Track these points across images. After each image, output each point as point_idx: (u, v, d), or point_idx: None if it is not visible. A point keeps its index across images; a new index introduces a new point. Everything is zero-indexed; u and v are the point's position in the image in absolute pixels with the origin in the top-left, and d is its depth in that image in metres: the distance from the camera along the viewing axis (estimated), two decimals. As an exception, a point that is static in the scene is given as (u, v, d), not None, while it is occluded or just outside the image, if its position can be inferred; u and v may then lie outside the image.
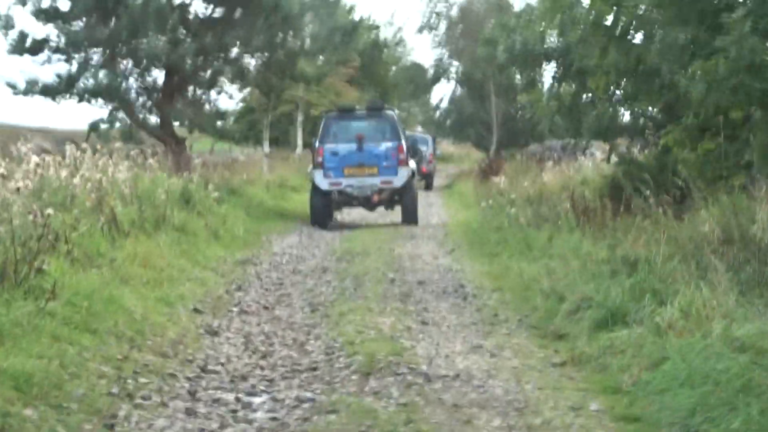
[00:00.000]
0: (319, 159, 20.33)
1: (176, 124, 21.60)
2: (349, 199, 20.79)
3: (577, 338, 8.44)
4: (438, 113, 53.08)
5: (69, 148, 13.64)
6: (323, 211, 20.27)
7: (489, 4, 44.21)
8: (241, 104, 44.67)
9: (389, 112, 22.08)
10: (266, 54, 21.44)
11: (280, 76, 22.18)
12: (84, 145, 15.43)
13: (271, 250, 14.41)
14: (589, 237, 13.17)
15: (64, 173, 10.91)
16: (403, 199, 20.84)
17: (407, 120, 78.09)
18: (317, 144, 20.62)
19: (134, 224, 11.34)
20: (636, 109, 15.64)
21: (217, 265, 11.69)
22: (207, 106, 21.98)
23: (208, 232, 13.80)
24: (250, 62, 21.91)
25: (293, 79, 22.50)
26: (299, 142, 40.40)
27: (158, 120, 21.25)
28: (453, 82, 50.59)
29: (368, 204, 21.03)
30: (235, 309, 9.28)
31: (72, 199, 10.43)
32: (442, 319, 9.55)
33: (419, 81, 50.70)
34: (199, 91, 21.82)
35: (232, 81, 21.93)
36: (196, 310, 8.83)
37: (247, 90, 41.23)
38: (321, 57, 24.97)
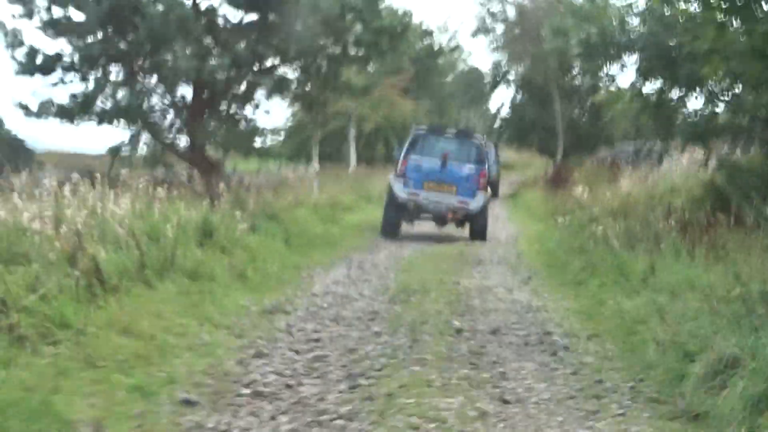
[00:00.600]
0: (402, 169, 20.82)
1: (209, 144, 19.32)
2: (422, 213, 21.23)
3: (727, 423, 5.91)
4: (498, 120, 50.36)
5: (74, 177, 11.44)
6: (395, 220, 20.96)
7: (547, 2, 41.46)
8: (289, 121, 42.66)
9: (477, 138, 22.39)
10: (305, 62, 19.10)
11: (321, 87, 19.81)
12: (96, 174, 13.32)
13: (310, 290, 11.95)
14: (700, 261, 10.58)
15: (27, 214, 8.55)
16: (476, 220, 21.03)
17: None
18: (402, 155, 21.04)
19: (127, 274, 8.95)
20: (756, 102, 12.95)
21: (235, 319, 9.20)
22: (242, 124, 19.61)
23: (231, 273, 11.36)
24: (288, 72, 19.58)
25: (337, 90, 20.03)
26: (353, 158, 38.03)
27: (188, 141, 18.98)
28: (512, 88, 47.90)
29: (441, 220, 21.41)
30: (245, 392, 6.73)
31: (35, 247, 8.08)
32: (527, 391, 7.04)
33: (477, 88, 48.07)
34: (232, 108, 19.49)
35: (269, 95, 19.53)
36: (185, 403, 6.19)
37: (295, 106, 39.27)
38: (368, 65, 22.61)
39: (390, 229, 20.72)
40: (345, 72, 20.44)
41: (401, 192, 20.68)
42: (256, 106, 19.77)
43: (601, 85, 46.77)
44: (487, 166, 21.49)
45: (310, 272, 13.75)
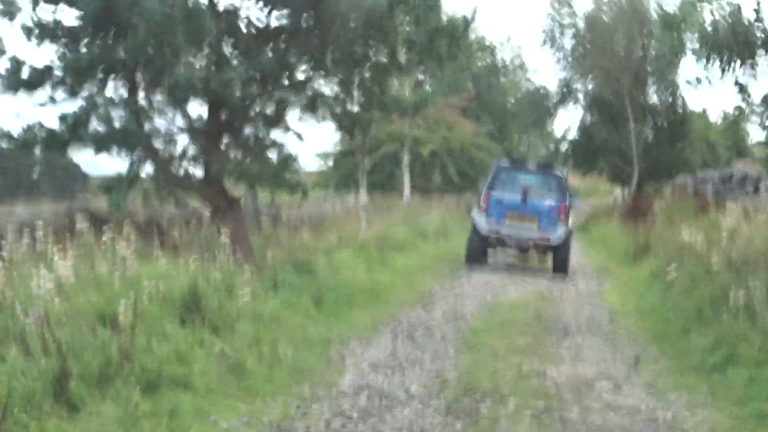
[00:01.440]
0: (484, 204, 21.53)
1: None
2: (504, 245, 21.65)
3: None
4: (565, 143, 46.49)
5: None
6: (479, 252, 21.62)
7: (621, 10, 37.74)
8: (337, 146, 39.39)
9: (558, 172, 22.88)
10: (346, 73, 15.66)
11: (366, 104, 16.34)
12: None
13: (338, 384, 8.50)
14: None
15: None
16: (558, 252, 20.99)
17: (528, 153, 71.67)
18: (485, 190, 21.76)
19: (31, 402, 5.56)
20: None
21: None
22: (270, 151, 16.15)
23: (221, 367, 7.92)
24: (324, 87, 16.11)
25: (384, 108, 16.49)
26: (406, 187, 34.53)
27: (203, 173, 15.59)
28: (580, 108, 44.08)
29: (523, 252, 22.04)
30: None
31: None
32: None
33: (542, 107, 44.32)
34: (259, 131, 16.06)
35: (302, 115, 16.06)
36: None
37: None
38: (423, 78, 19.13)
39: (474, 261, 21.48)
40: (394, 86, 16.95)
41: (483, 227, 21.30)
42: (287, 129, 16.28)
43: (679, 101, 43.16)
44: (568, 200, 21.73)
45: (342, 349, 10.27)
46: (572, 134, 45.38)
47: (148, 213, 17.70)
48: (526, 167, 22.83)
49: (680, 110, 41.15)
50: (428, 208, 31.98)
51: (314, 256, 16.69)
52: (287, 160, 16.06)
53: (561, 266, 20.75)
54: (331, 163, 40.42)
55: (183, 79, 13.88)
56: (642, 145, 38.26)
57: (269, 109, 16.21)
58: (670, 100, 41.16)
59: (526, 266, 21.97)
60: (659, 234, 24.50)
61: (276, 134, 16.23)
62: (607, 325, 12.49)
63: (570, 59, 40.59)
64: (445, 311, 13.80)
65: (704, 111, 43.46)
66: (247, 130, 16.17)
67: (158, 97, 15.01)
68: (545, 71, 45.31)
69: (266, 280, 12.26)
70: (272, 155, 16.27)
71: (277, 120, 16.20)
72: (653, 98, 41.65)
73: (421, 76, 35.34)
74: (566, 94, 42.56)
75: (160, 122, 15.13)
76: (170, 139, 15.33)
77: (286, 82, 15.84)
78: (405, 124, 33.93)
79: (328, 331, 11.06)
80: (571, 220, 22.49)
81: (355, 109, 16.71)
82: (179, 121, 15.49)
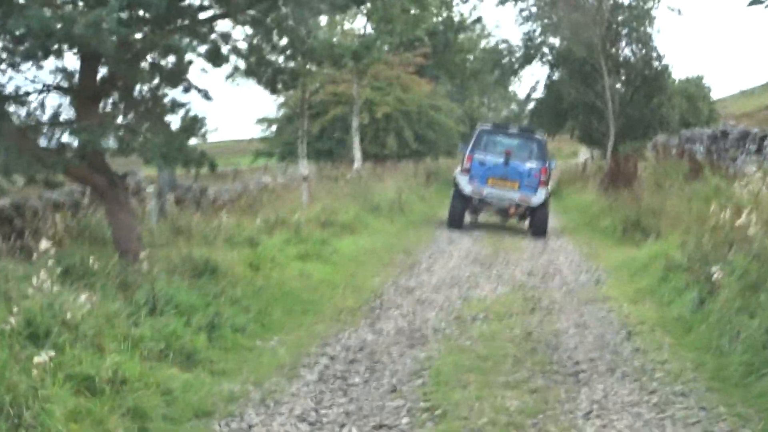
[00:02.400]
0: (467, 166, 21.91)
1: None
2: (486, 207, 22.49)
3: None
4: (531, 103, 42.73)
5: None
6: (461, 213, 22.07)
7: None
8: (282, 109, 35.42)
9: (539, 135, 23.36)
10: (260, 10, 11.76)
11: (290, 50, 12.46)
12: None
13: None
14: None
15: None
16: (536, 214, 21.66)
17: (489, 115, 67.95)
18: (467, 152, 22.13)
19: None
20: None
21: None
22: (168, 116, 12.21)
23: None
24: (233, 29, 12.17)
25: (311, 56, 12.63)
26: (357, 155, 30.67)
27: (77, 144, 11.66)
28: (546, 66, 40.37)
29: (504, 214, 22.66)
30: None
31: None
32: None
33: (504, 65, 40.55)
34: (146, 89, 12.13)
35: (211, 63, 12.14)
36: None
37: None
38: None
39: (456, 223, 21.87)
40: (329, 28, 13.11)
41: (466, 188, 21.73)
42: (187, 88, 12.35)
43: (654, 54, 39.57)
44: (548, 162, 22.27)
45: (245, 404, 6.56)
46: (538, 93, 41.70)
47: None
48: (508, 130, 23.36)
49: (656, 63, 37.66)
50: (382, 177, 28.22)
51: (229, 248, 12.98)
52: (192, 125, 12.18)
53: (539, 228, 21.40)
54: (274, 129, 36.47)
55: (36, 24, 9.91)
56: (618, 103, 34.69)
57: (166, 61, 12.30)
58: (644, 52, 37.65)
59: (497, 248, 18.33)
60: (649, 204, 21.00)
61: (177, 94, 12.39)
62: (631, 356, 8.72)
63: (535, 12, 36.91)
64: (398, 328, 10.07)
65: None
66: (142, 89, 12.30)
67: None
68: (507, 27, 41.60)
69: (138, 299, 8.48)
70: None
71: (176, 74, 12.28)
72: (626, 51, 38.16)
73: (365, 24, 31.51)
74: (531, 50, 38.88)
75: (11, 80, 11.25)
76: (24, 101, 11.45)
77: (184, 23, 11.96)
78: (354, 83, 30.08)
79: (212, 390, 7.23)
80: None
81: (279, 58, 12.85)
82: (48, 77, 11.64)
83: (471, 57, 43.50)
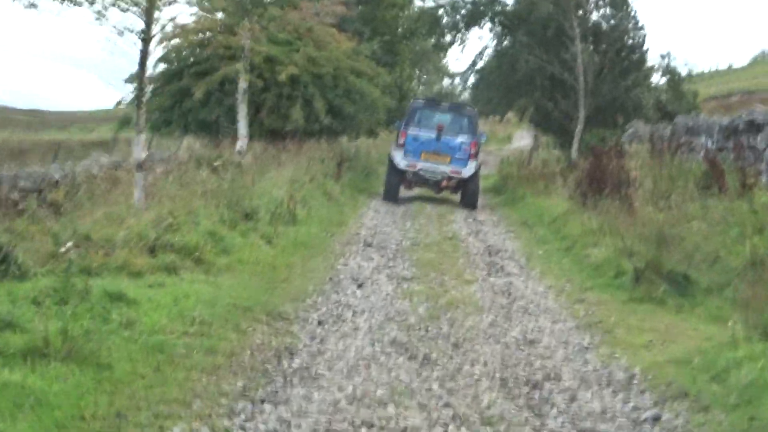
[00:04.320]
0: (402, 141, 23.05)
1: None
2: (420, 180, 23.43)
3: None
4: (472, 77, 34.76)
5: None
6: (396, 187, 23.15)
7: None
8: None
9: (470, 109, 24.83)
10: None
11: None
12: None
13: None
14: None
15: None
16: (468, 186, 22.93)
17: (423, 90, 60.48)
18: (402, 127, 23.34)
19: None
20: None
21: None
22: None
23: None
24: None
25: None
26: (242, 129, 22.70)
27: None
28: (498, 30, 32.68)
29: (437, 187, 23.64)
30: None
31: None
32: None
33: (446, 25, 32.69)
34: None
35: None
36: None
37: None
38: None
39: (392, 196, 22.92)
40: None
41: (401, 163, 22.79)
42: None
43: (631, 23, 32.23)
44: (477, 136, 23.24)
45: None
46: (484, 64, 33.92)
47: None
48: (440, 106, 24.69)
49: (632, 33, 30.43)
50: (275, 163, 20.44)
51: None
52: None
53: (470, 200, 22.80)
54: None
55: None
56: (591, 78, 27.29)
57: None
58: (619, 17, 30.38)
59: (436, 306, 10.72)
60: (661, 229, 13.75)
61: None
62: None
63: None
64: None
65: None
66: None
67: None
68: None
69: None
70: None
71: None
72: (595, 16, 30.85)
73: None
74: (480, 6, 31.17)
75: None
76: None
77: None
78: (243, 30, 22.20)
79: None
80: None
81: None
82: None
83: (404, 13, 35.73)
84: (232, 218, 13.66)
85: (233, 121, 24.10)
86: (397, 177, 22.88)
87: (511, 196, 25.07)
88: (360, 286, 11.55)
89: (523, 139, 54.95)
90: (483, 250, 15.72)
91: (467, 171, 22.61)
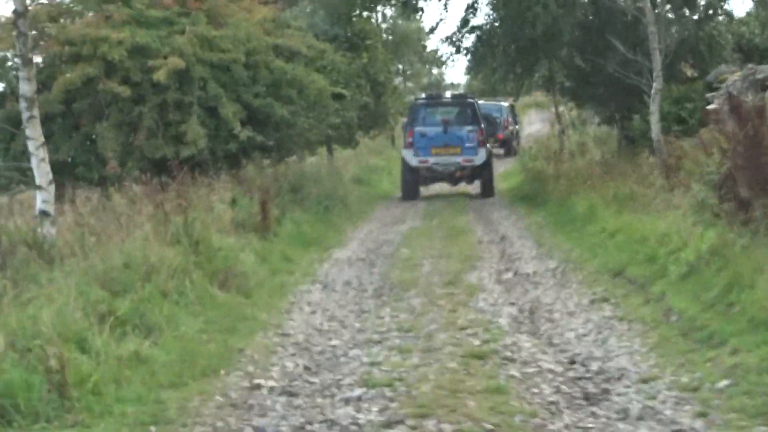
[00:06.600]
0: (410, 140, 23.38)
1: None
2: (435, 175, 23.71)
3: None
4: (466, 37, 24.33)
5: None
6: (413, 185, 23.54)
7: None
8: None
9: (470, 99, 24.94)
10: None
11: None
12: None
13: None
14: None
15: None
16: (483, 174, 23.41)
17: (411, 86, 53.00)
18: (408, 127, 23.82)
19: None
20: None
21: None
22: None
23: None
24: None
25: None
26: (38, 174, 12.35)
27: None
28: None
29: (452, 179, 23.91)
30: None
31: None
32: None
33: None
34: None
35: None
36: None
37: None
38: None
39: (410, 195, 23.28)
40: None
41: (413, 161, 23.12)
42: None
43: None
44: (482, 124, 23.42)
45: None
46: (480, 19, 23.99)
47: None
48: (441, 100, 25.58)
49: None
50: (127, 226, 10.59)
51: None
52: None
53: (487, 190, 23.42)
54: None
55: None
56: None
57: None
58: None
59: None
60: None
61: None
62: None
63: None
64: None
65: None
66: None
67: None
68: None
69: None
70: None
71: None
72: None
73: None
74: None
75: None
76: None
77: None
78: None
79: None
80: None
81: None
82: None
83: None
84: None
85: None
86: (412, 175, 23.30)
87: (558, 208, 15.35)
88: None
89: (532, 124, 47.92)
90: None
91: (479, 158, 22.98)
